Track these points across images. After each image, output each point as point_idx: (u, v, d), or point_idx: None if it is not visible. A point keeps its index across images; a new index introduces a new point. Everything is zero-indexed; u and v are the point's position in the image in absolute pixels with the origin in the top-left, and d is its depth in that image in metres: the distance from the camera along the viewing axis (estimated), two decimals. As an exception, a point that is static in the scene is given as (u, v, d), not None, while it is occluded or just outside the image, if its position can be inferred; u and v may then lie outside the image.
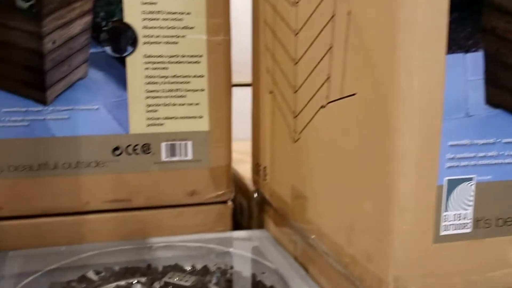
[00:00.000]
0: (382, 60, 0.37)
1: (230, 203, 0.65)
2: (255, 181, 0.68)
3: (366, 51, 0.39)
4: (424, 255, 0.38)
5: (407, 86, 0.35)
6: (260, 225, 0.68)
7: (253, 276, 0.53)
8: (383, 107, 0.37)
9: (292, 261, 0.55)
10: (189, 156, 0.62)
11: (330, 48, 0.44)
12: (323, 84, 0.46)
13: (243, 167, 0.75)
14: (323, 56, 0.46)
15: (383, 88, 0.37)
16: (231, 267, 0.56)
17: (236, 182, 0.74)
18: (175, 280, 0.53)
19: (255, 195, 0.69)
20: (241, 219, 0.75)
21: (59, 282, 0.52)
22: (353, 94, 0.41)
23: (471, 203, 0.38)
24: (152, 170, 0.61)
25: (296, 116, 0.53)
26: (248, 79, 0.69)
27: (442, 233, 0.38)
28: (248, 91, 0.69)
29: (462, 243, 0.39)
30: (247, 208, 0.73)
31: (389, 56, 0.36)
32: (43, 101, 0.57)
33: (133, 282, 0.53)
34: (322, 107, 0.47)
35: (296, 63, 0.52)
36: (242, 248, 0.60)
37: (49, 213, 0.59)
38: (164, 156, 0.61)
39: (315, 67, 0.48)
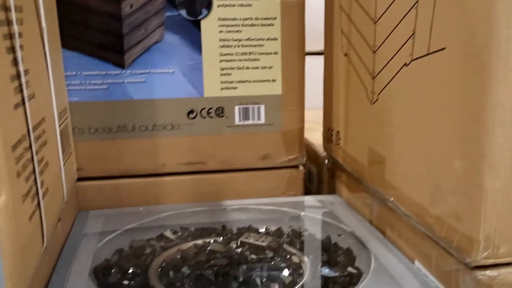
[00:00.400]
0: (478, 10, 0.35)
1: (302, 168, 0.65)
2: (327, 147, 0.67)
3: (458, 3, 0.38)
4: (518, 214, 0.37)
5: (507, 36, 0.33)
6: (331, 192, 0.67)
7: (328, 238, 0.53)
8: (478, 59, 0.35)
9: (367, 225, 0.54)
10: (262, 120, 0.62)
11: (416, 3, 0.43)
12: (406, 41, 0.45)
13: (313, 135, 0.75)
14: (408, 12, 0.44)
15: (479, 39, 0.35)
16: (305, 230, 0.56)
17: (306, 149, 0.74)
18: (251, 240, 0.53)
19: (326, 161, 0.68)
20: (310, 187, 0.75)
21: (139, 239, 0.54)
22: (442, 49, 0.40)
23: None
24: (225, 133, 0.62)
25: (375, 77, 0.51)
26: (317, 47, 0.68)
27: (538, 191, 0.36)
28: (316, 59, 0.68)
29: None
30: (317, 175, 0.73)
31: (487, 6, 0.34)
32: (121, 65, 0.58)
33: (210, 241, 0.54)
34: (405, 65, 0.45)
35: (376, 22, 0.51)
36: (315, 212, 0.60)
37: (127, 174, 0.61)
38: (237, 120, 0.61)
39: (398, 24, 0.46)
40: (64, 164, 0.52)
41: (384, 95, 0.50)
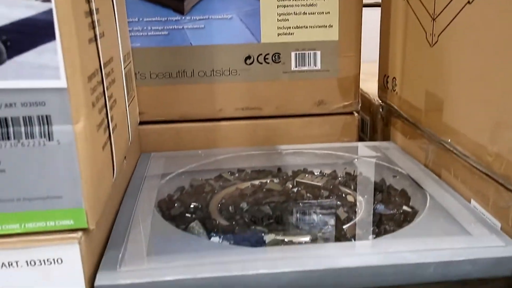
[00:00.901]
0: None
1: (356, 114, 0.65)
2: (382, 95, 0.67)
3: None
4: None
5: None
6: (385, 139, 0.67)
7: (383, 179, 0.54)
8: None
9: (423, 168, 0.55)
10: (318, 66, 0.62)
11: None
12: (469, -22, 0.44)
13: (367, 85, 0.75)
14: None
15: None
16: (360, 173, 0.57)
17: (363, 100, 0.74)
18: (306, 180, 0.55)
19: (381, 109, 0.68)
20: (363, 137, 0.75)
21: (199, 179, 0.56)
22: (508, -17, 0.39)
23: None
24: (281, 79, 0.63)
25: (435, 18, 0.51)
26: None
27: None
28: (369, 11, 0.68)
29: None
30: (371, 124, 0.73)
31: None
32: (181, 11, 0.60)
33: (267, 182, 0.55)
34: (468, 3, 0.44)
35: (437, -39, 0.50)
36: (369, 156, 0.60)
37: (186, 119, 0.64)
38: (293, 66, 0.62)
39: (461, -39, 0.45)
40: (128, 106, 0.54)
41: (445, 36, 0.49)
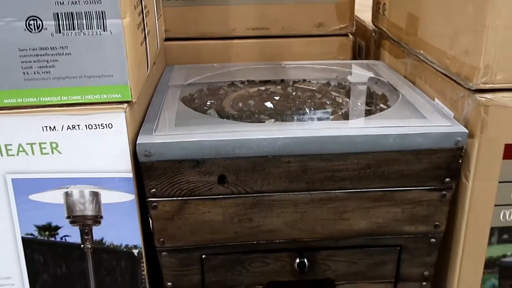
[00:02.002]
0: None
1: (351, 36, 0.75)
2: (374, 19, 0.77)
3: None
4: (513, 49, 0.46)
5: None
6: (376, 59, 0.78)
7: (368, 87, 0.65)
8: None
9: (402, 78, 0.65)
10: (319, -8, 0.72)
11: None
12: None
13: (363, 15, 0.85)
14: None
15: None
16: (350, 82, 0.68)
17: (357, 26, 0.84)
18: (304, 85, 0.66)
19: (374, 33, 0.78)
20: (359, 59, 0.85)
21: (215, 85, 0.67)
22: None
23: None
24: (287, 3, 0.73)
25: None
26: None
27: (531, 31, 0.46)
28: None
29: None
30: (365, 48, 0.83)
31: None
32: None
33: (269, 90, 0.66)
34: None
35: None
36: (360, 71, 0.71)
37: (204, 37, 0.74)
38: (297, -9, 0.72)
39: None
40: (157, 20, 0.65)
41: (422, -37, 0.59)
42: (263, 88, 0.67)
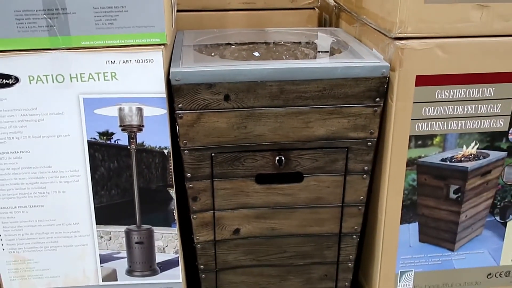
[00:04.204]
0: None
1: (317, 10, 1.00)
2: (335, -3, 1.02)
3: None
4: (418, 10, 0.71)
5: None
6: (337, 27, 1.02)
7: (327, 44, 0.89)
8: None
9: (352, 37, 0.90)
10: (292, -25, 0.96)
11: None
12: None
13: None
14: None
15: None
16: (314, 42, 0.92)
17: (322, 3, 1.08)
18: (281, 43, 0.90)
19: (334, 8, 1.03)
20: (325, 30, 1.10)
21: (215, 44, 0.91)
22: None
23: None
24: (268, -16, 0.97)
25: None
26: None
27: (429, -2, 0.70)
28: None
29: (442, 5, 0.71)
30: (329, 20, 1.08)
31: None
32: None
33: (255, 47, 0.90)
34: None
35: None
36: (323, 34, 0.95)
37: (206, 9, 0.98)
38: (276, -26, 0.96)
39: None
40: (173, -5, 0.88)
41: (364, -46, 0.83)
42: (251, 45, 0.90)
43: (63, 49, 0.69)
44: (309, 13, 0.99)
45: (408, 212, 0.83)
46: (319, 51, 0.86)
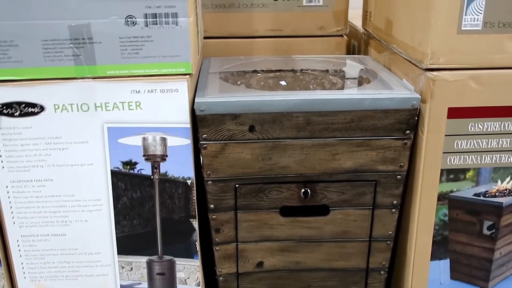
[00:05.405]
0: None
1: (345, 37, 0.98)
2: (364, 24, 1.00)
3: None
4: (450, 40, 0.69)
5: None
6: (365, 55, 1.00)
7: (356, 72, 0.87)
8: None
9: (382, 66, 0.88)
10: (321, 2, 0.95)
11: None
12: None
13: (356, 21, 1.07)
14: None
15: None
16: (343, 70, 0.90)
17: (351, 30, 1.06)
18: (308, 71, 0.88)
19: (363, 35, 1.01)
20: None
21: (242, 72, 0.90)
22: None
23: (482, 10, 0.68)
24: (296, 11, 0.95)
25: (391, -29, 0.83)
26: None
27: (463, 28, 0.68)
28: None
29: (475, 36, 0.69)
30: (357, 47, 1.06)
31: None
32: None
33: (282, 75, 0.89)
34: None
35: None
36: (351, 61, 0.93)
37: (233, 36, 0.97)
38: (304, 1, 0.95)
39: None
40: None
41: (394, -18, 0.82)
42: (278, 73, 0.89)
43: (89, 78, 0.69)
44: (338, 40, 0.97)
45: (439, 248, 0.80)
46: (347, 80, 0.84)
